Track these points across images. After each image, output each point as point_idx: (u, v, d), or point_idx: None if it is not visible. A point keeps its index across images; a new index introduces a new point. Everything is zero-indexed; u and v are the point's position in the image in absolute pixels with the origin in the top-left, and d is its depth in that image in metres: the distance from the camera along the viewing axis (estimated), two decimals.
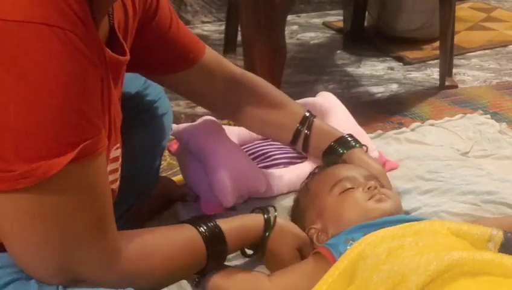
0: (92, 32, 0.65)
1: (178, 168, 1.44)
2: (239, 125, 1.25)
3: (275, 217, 0.93)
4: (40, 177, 0.62)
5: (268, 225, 0.91)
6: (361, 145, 1.12)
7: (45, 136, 0.61)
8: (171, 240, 0.81)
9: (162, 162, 1.41)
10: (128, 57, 0.82)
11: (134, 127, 1.04)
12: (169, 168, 1.45)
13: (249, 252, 0.94)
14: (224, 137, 1.17)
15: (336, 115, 1.29)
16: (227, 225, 0.87)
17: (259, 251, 0.92)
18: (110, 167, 0.78)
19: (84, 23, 0.63)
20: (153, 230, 0.83)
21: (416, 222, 0.85)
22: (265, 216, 0.91)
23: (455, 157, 1.36)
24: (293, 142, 1.16)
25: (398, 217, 0.93)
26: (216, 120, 1.22)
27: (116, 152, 0.81)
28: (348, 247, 0.83)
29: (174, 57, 1.02)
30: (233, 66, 1.13)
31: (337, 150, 1.11)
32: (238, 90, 1.11)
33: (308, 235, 0.97)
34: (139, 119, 1.06)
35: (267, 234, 0.90)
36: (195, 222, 0.85)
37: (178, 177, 1.36)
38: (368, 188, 0.96)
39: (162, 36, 0.98)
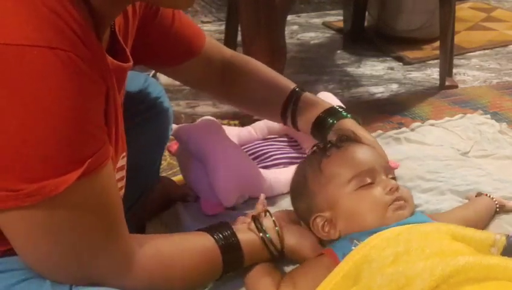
0: (93, 50, 0.65)
1: (178, 168, 1.44)
2: (234, 107, 1.24)
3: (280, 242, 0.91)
4: (47, 195, 0.62)
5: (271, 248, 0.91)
6: (353, 116, 1.08)
7: (50, 157, 0.62)
8: (189, 250, 0.82)
9: (162, 162, 1.41)
10: (131, 63, 0.82)
11: (134, 126, 1.03)
12: (169, 168, 1.45)
13: None
14: (224, 137, 1.17)
15: None
16: (245, 236, 0.88)
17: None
18: (117, 176, 0.79)
19: (85, 42, 0.63)
20: (170, 237, 0.83)
21: (422, 225, 0.84)
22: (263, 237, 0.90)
23: (455, 157, 1.36)
24: (283, 118, 1.13)
25: (406, 220, 0.90)
26: (216, 120, 1.22)
27: (123, 161, 0.82)
28: (353, 247, 0.82)
29: (179, 51, 1.03)
30: (225, 49, 1.13)
31: (327, 120, 1.06)
32: (231, 72, 1.11)
33: (313, 223, 0.94)
34: (139, 118, 1.06)
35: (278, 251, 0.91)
36: (212, 231, 0.86)
37: (178, 177, 1.36)
38: (390, 190, 0.91)
39: (166, 32, 0.99)
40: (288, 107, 1.10)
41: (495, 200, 1.07)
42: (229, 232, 0.86)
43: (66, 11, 0.62)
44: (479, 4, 3.02)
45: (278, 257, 0.92)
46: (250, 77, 1.12)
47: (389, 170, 0.96)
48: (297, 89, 1.11)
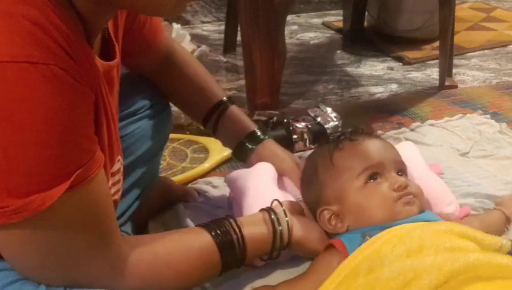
0: (80, 59, 0.64)
1: (178, 168, 1.45)
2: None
3: (288, 230, 0.90)
4: (34, 211, 0.61)
5: (279, 240, 0.89)
6: (271, 137, 1.13)
7: (36, 173, 0.61)
8: (185, 250, 0.80)
9: (162, 162, 1.40)
10: (118, 59, 0.81)
11: (134, 126, 1.04)
12: (169, 168, 1.45)
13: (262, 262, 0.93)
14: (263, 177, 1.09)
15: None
16: (251, 229, 0.86)
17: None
18: (112, 180, 0.78)
19: (70, 53, 0.62)
20: (165, 238, 0.81)
21: (435, 223, 0.83)
22: (277, 227, 0.89)
23: (455, 157, 1.36)
24: (203, 124, 1.14)
25: (416, 217, 0.90)
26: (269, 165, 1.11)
27: (118, 164, 0.81)
28: (363, 243, 0.81)
29: (142, 48, 1.03)
30: (174, 42, 1.13)
31: (246, 146, 1.11)
32: (169, 62, 1.10)
33: (320, 215, 0.94)
34: (139, 118, 1.06)
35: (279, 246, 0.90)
36: (211, 227, 0.84)
37: (178, 177, 1.36)
38: (398, 187, 0.91)
39: (139, 30, 0.99)
40: (211, 116, 1.12)
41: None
42: (227, 228, 0.84)
43: (49, 22, 0.60)
44: (479, 4, 3.02)
45: (280, 251, 0.91)
46: (184, 73, 1.11)
47: (399, 164, 0.96)
48: (225, 100, 1.12)
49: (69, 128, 0.62)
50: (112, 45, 0.81)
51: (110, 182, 0.77)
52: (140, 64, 1.08)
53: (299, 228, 0.92)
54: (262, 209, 0.92)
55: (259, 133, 1.12)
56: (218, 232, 0.83)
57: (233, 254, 0.84)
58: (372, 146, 0.97)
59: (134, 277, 0.73)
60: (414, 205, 0.91)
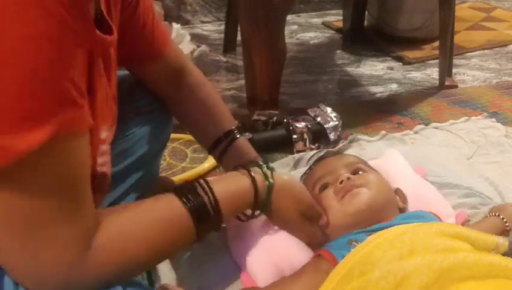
0: (80, 13, 0.60)
1: (178, 168, 1.45)
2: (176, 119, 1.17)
3: (271, 175, 0.89)
4: (11, 158, 0.55)
5: (269, 189, 0.88)
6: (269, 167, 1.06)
7: (11, 110, 0.54)
8: (154, 221, 0.74)
9: (162, 162, 1.41)
10: (115, 36, 0.79)
11: (135, 126, 1.04)
12: (169, 168, 1.45)
13: (256, 212, 0.91)
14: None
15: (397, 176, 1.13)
16: (221, 188, 0.83)
17: (262, 213, 0.91)
18: (99, 149, 0.74)
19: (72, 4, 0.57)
20: (134, 209, 0.75)
21: (426, 224, 0.83)
22: (262, 177, 0.88)
23: (458, 161, 1.36)
24: (211, 150, 1.11)
25: (408, 215, 0.90)
26: None
27: (106, 133, 0.76)
28: (352, 249, 0.81)
29: (144, 52, 1.01)
30: (187, 61, 1.10)
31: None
32: (182, 85, 1.08)
33: None
34: (140, 118, 1.06)
35: (266, 196, 0.88)
36: (181, 192, 0.79)
37: (178, 177, 1.36)
38: (340, 183, 0.95)
39: (139, 30, 0.97)
40: (219, 145, 1.09)
41: (506, 222, 1.01)
42: (198, 191, 0.80)
43: None
44: (479, 4, 3.02)
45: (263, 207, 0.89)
46: (195, 94, 1.09)
47: (352, 166, 1.00)
48: (234, 130, 1.10)
49: (56, 65, 0.56)
50: (106, 23, 0.77)
51: (99, 151, 0.73)
52: (147, 73, 1.05)
53: (282, 176, 0.92)
54: (240, 166, 0.91)
55: (261, 163, 1.05)
56: (189, 196, 0.78)
57: (207, 218, 0.80)
58: (320, 164, 1.06)
59: (103, 250, 0.67)
60: (360, 194, 0.93)
